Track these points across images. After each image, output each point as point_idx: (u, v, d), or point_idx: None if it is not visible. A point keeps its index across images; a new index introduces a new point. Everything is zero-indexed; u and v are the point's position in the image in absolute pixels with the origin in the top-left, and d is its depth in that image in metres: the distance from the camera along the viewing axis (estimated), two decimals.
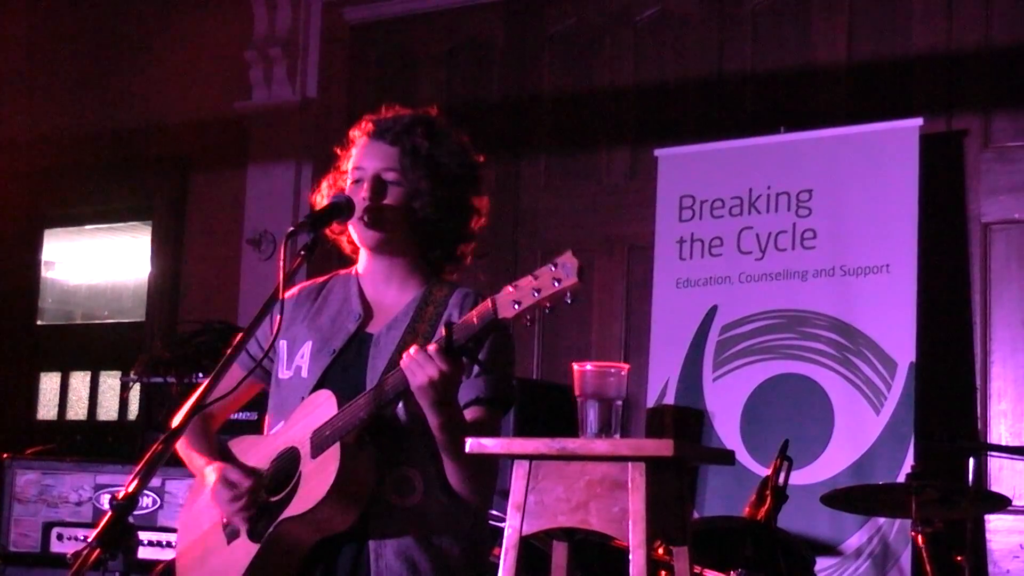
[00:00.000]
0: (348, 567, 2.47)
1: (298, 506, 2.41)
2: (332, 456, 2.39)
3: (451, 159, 2.61)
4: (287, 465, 2.49)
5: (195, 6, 6.49)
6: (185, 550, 2.66)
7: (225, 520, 2.57)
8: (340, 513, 2.42)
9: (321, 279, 2.74)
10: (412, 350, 2.31)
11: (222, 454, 2.64)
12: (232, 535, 2.55)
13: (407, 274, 2.63)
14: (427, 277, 2.63)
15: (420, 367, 2.29)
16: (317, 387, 2.54)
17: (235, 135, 6.30)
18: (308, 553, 2.48)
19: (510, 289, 2.24)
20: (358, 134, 2.64)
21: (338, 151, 2.69)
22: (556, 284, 2.20)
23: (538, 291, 2.21)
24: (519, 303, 2.22)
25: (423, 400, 2.33)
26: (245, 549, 2.49)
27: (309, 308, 2.67)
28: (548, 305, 2.23)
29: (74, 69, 6.79)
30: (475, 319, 2.28)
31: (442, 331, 2.32)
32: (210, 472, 2.56)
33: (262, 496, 2.50)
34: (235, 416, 2.89)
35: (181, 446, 2.65)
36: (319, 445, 2.42)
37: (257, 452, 2.59)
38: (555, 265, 2.21)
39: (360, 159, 2.59)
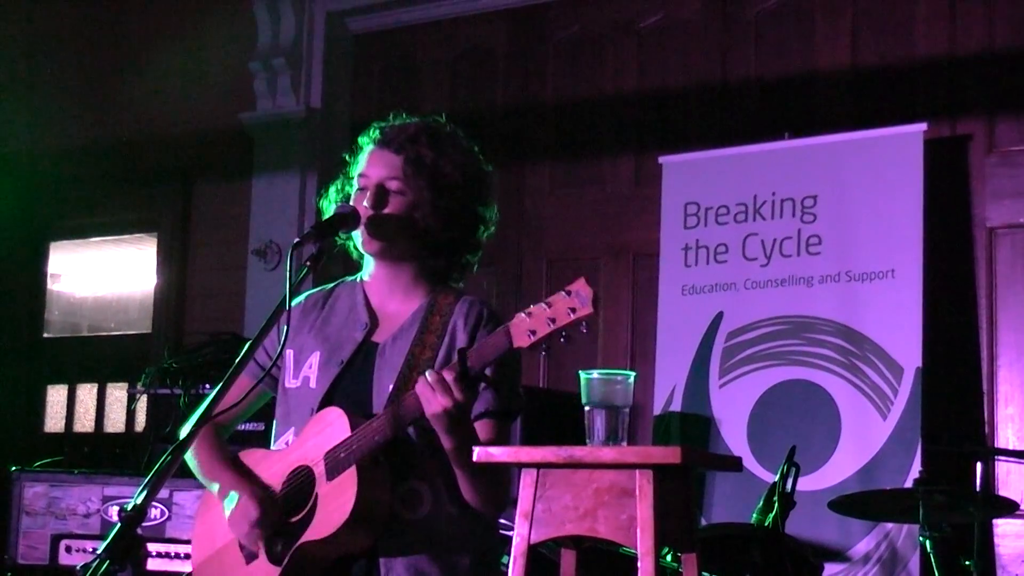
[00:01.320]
0: None
1: (319, 530, 2.41)
2: (350, 479, 2.39)
3: (454, 168, 2.59)
4: (301, 485, 2.49)
5: (198, 16, 6.51)
6: (201, 566, 2.65)
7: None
8: (360, 535, 2.42)
9: (327, 286, 2.75)
10: (428, 376, 2.31)
11: (236, 467, 2.63)
12: (250, 556, 2.54)
13: (412, 282, 2.63)
14: (432, 285, 2.63)
15: (435, 396, 2.29)
16: (325, 398, 2.54)
17: (239, 146, 6.31)
18: (325, 571, 2.48)
19: (524, 317, 2.23)
20: (365, 141, 2.64)
21: (347, 158, 2.69)
22: (571, 314, 2.20)
23: (553, 320, 2.21)
24: (534, 332, 2.22)
25: (438, 425, 2.33)
26: (265, 571, 2.48)
27: (316, 316, 2.67)
28: (564, 334, 2.22)
29: (77, 81, 6.81)
30: (489, 349, 2.29)
31: (453, 354, 2.32)
32: (231, 494, 2.55)
33: (279, 518, 2.50)
34: (242, 427, 2.88)
35: (193, 457, 2.66)
36: (334, 467, 2.42)
37: (268, 467, 2.58)
38: (569, 293, 2.21)
39: (365, 167, 2.59)
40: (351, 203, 2.58)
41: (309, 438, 2.50)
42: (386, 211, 2.55)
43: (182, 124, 6.50)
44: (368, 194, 2.55)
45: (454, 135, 2.65)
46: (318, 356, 2.60)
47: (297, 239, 2.50)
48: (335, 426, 2.45)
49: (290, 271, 2.43)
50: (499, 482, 2.47)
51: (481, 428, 2.47)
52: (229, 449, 2.71)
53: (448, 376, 2.29)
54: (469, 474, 2.41)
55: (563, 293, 2.22)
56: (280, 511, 2.50)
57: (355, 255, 2.69)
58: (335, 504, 2.40)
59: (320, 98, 6.23)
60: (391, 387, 2.48)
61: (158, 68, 6.53)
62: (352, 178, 2.63)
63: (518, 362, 2.59)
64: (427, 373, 2.31)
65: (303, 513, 2.45)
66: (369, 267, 2.67)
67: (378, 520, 2.42)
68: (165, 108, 6.55)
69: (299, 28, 6.22)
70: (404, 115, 2.68)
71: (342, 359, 2.57)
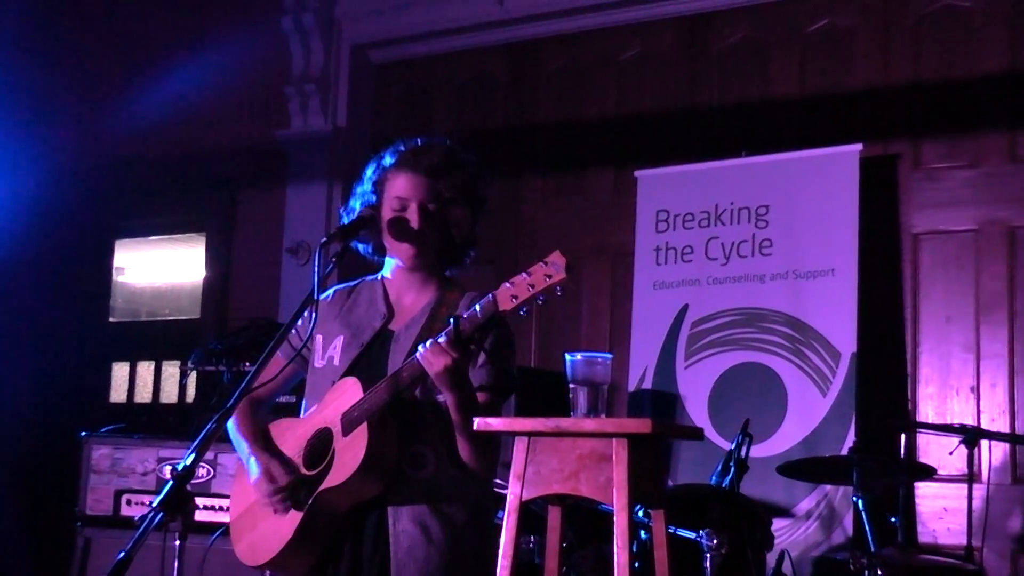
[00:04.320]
0: (372, 531, 2.48)
1: (335, 478, 2.42)
2: (361, 434, 2.40)
3: (479, 192, 2.64)
4: (321, 443, 2.50)
5: (242, 49, 6.48)
6: (237, 517, 2.67)
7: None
8: (370, 482, 2.43)
9: (351, 283, 2.76)
10: (428, 343, 2.32)
11: (264, 439, 2.64)
12: None
13: (425, 279, 2.65)
14: (442, 282, 2.65)
15: (435, 356, 2.31)
16: (346, 375, 2.55)
17: (276, 159, 6.30)
18: (342, 518, 2.49)
19: (508, 285, 2.26)
20: (397, 163, 2.62)
21: (372, 164, 2.68)
22: (547, 279, 2.22)
23: (532, 286, 2.23)
24: (516, 296, 2.24)
25: (441, 384, 2.34)
26: (290, 517, 2.50)
27: (341, 307, 2.69)
28: (541, 298, 2.24)
29: (139, 103, 6.79)
30: (478, 312, 2.30)
31: (451, 324, 2.34)
32: (253, 464, 2.57)
33: (300, 474, 2.51)
34: (279, 400, 2.89)
35: (231, 428, 2.66)
36: (349, 425, 2.43)
37: (294, 433, 2.60)
38: (546, 263, 2.24)
39: (402, 190, 2.58)
40: (380, 213, 2.60)
41: (328, 404, 2.52)
42: (428, 229, 2.57)
43: (227, 140, 6.49)
44: (415, 216, 2.56)
45: (472, 159, 2.67)
46: (341, 340, 2.61)
47: (324, 239, 2.51)
48: (350, 392, 2.47)
49: (318, 266, 2.44)
50: (491, 449, 2.48)
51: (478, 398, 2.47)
52: (262, 422, 2.71)
53: (442, 339, 2.30)
54: (467, 437, 2.42)
55: (541, 263, 2.24)
56: (294, 474, 2.51)
57: (374, 258, 2.71)
58: (349, 455, 2.41)
59: (345, 118, 6.22)
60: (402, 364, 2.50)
61: (208, 93, 6.51)
62: (370, 189, 2.63)
63: (512, 345, 2.60)
64: (427, 341, 2.33)
65: (322, 466, 2.47)
66: (391, 268, 2.68)
67: (385, 471, 2.43)
68: (213, 126, 6.54)
69: (327, 59, 6.21)
70: (423, 137, 2.67)
71: (362, 342, 2.59)
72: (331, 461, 2.45)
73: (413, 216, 2.56)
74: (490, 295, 2.27)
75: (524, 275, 2.24)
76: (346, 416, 2.44)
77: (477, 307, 2.30)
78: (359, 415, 2.42)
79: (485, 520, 2.58)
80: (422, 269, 2.63)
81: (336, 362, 2.59)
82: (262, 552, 2.54)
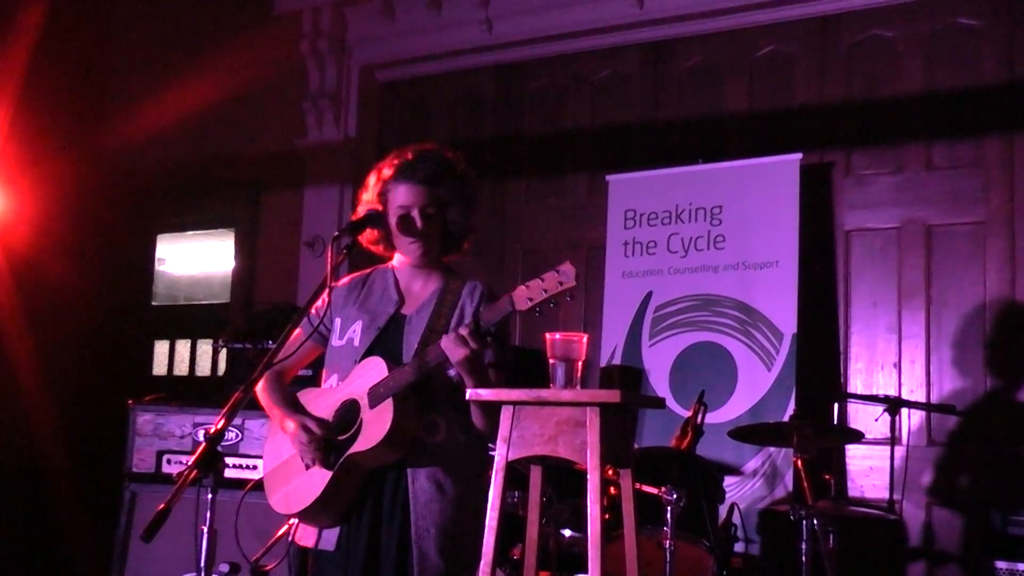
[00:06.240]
0: (391, 487, 2.49)
1: (363, 444, 2.43)
2: (388, 408, 2.40)
3: (469, 190, 2.62)
4: (349, 413, 2.49)
5: (267, 70, 6.44)
6: (271, 473, 2.67)
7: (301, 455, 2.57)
8: (393, 450, 2.43)
9: (365, 272, 2.76)
10: (452, 334, 2.33)
11: (294, 404, 2.63)
12: (308, 465, 2.55)
13: (431, 270, 2.66)
14: (445, 271, 2.66)
15: (457, 346, 2.32)
16: (366, 353, 2.55)
17: (295, 164, 6.27)
18: (365, 478, 2.48)
19: (523, 288, 2.26)
20: (396, 176, 2.60)
21: (374, 176, 2.67)
22: (560, 286, 2.22)
23: (546, 291, 2.23)
24: (532, 299, 2.24)
25: (461, 369, 2.35)
26: (321, 475, 2.50)
27: (358, 294, 2.69)
28: (554, 302, 2.24)
29: (181, 116, 6.74)
30: (497, 311, 2.30)
31: (462, 322, 2.35)
32: (289, 422, 2.56)
33: (332, 437, 2.51)
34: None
35: (262, 394, 2.65)
36: (375, 399, 2.43)
37: (322, 402, 2.59)
38: (558, 271, 2.23)
39: (405, 199, 2.57)
40: (386, 219, 2.60)
41: (355, 379, 2.51)
42: (430, 231, 2.57)
43: (254, 148, 6.46)
44: (418, 221, 2.56)
45: (464, 164, 2.66)
46: (360, 323, 2.62)
47: (336, 233, 2.51)
48: (375, 370, 2.47)
49: (331, 257, 2.43)
50: (499, 418, 2.49)
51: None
52: (288, 389, 2.70)
53: (464, 331, 2.31)
54: (481, 408, 2.43)
55: (554, 271, 2.23)
56: (327, 429, 2.50)
57: (379, 252, 2.71)
58: (376, 426, 2.41)
59: (355, 129, 6.19)
60: (416, 345, 2.50)
61: (237, 107, 6.47)
62: (375, 199, 2.63)
63: (508, 330, 2.61)
64: (450, 332, 2.33)
65: (350, 433, 2.46)
66: (398, 258, 2.68)
67: (406, 441, 2.44)
68: (241, 136, 6.51)
69: (339, 78, 6.18)
70: (415, 148, 2.65)
71: (379, 326, 2.60)
72: (359, 429, 2.45)
73: (417, 220, 2.56)
74: (507, 297, 2.27)
75: (538, 280, 2.24)
76: (372, 391, 2.44)
77: (496, 307, 2.30)
78: (384, 391, 2.42)
79: (485, 478, 2.58)
80: (427, 263, 2.63)
81: (356, 343, 2.59)
82: (295, 503, 2.54)
